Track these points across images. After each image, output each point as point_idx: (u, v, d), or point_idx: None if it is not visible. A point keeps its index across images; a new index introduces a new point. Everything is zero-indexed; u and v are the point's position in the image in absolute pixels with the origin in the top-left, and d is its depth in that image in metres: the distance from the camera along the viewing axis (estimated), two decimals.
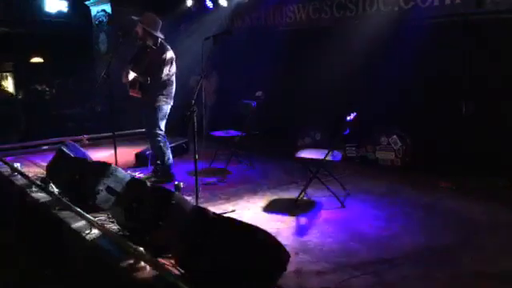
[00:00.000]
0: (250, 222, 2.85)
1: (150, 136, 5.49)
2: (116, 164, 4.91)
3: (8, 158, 6.47)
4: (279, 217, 4.30)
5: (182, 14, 8.50)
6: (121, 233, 3.65)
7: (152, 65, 5.22)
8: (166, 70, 5.19)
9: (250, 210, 4.51)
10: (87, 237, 3.54)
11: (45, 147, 7.57)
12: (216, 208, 4.38)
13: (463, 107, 5.43)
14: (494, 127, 5.18)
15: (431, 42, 5.63)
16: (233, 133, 6.21)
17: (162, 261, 3.03)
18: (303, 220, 4.24)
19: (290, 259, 2.64)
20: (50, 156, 5.53)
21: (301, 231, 3.98)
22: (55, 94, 13.03)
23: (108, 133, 6.99)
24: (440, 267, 3.23)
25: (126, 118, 7.38)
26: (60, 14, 11.19)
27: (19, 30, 11.89)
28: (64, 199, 4.36)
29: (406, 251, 3.48)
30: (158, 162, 5.57)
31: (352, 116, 4.55)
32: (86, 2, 10.24)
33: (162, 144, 5.41)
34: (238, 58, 7.79)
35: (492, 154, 5.12)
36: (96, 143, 7.86)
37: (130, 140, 7.98)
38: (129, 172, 5.20)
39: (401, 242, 3.67)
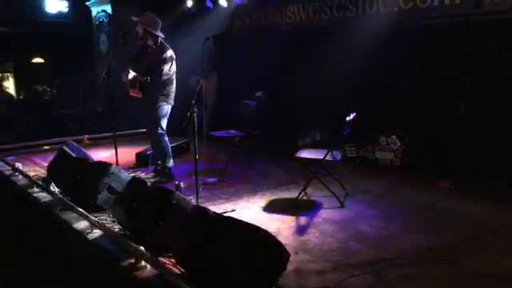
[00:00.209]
0: (250, 221, 2.87)
1: (151, 136, 5.50)
2: (117, 164, 4.93)
3: (9, 158, 6.48)
4: (279, 216, 4.32)
5: (181, 14, 8.50)
6: (122, 232, 3.67)
7: (153, 64, 5.23)
8: (166, 68, 5.20)
9: (250, 210, 4.53)
10: (88, 236, 3.55)
11: (46, 147, 7.58)
12: (216, 208, 4.40)
13: (462, 107, 5.45)
14: (493, 128, 5.18)
15: (430, 42, 5.65)
16: (233, 133, 6.22)
17: (162, 260, 3.05)
18: (303, 220, 4.25)
19: (290, 258, 2.66)
20: (51, 156, 5.55)
21: (301, 231, 3.99)
22: (56, 94, 13.05)
23: (108, 133, 7.01)
24: (440, 267, 3.24)
25: (126, 117, 7.38)
26: (60, 14, 11.19)
27: (19, 30, 11.90)
28: (65, 199, 4.37)
29: (405, 251, 3.49)
30: (159, 161, 5.58)
31: (352, 116, 4.56)
32: (87, 3, 10.25)
33: (162, 144, 5.42)
34: (238, 58, 7.80)
35: (491, 154, 5.13)
36: (96, 143, 7.87)
37: (130, 140, 7.98)
38: (129, 172, 5.21)
39: (400, 241, 3.69)
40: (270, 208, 4.59)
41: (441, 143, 5.64)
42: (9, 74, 13.40)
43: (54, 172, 5.12)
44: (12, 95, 12.98)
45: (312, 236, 3.84)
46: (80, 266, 3.71)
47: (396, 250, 3.52)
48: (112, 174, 4.34)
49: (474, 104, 5.37)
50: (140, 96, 5.28)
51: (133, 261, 3.03)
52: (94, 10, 10.21)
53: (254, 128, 6.19)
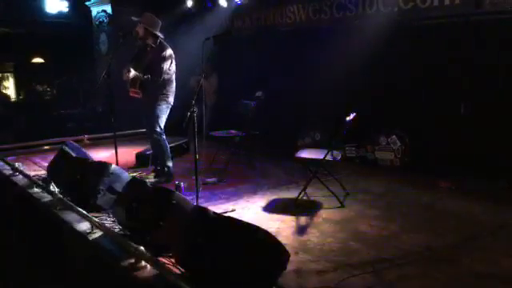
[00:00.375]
0: (250, 221, 2.87)
1: (151, 136, 5.50)
2: (117, 164, 4.93)
3: (9, 158, 6.48)
4: (279, 216, 4.32)
5: (181, 14, 8.50)
6: (122, 232, 3.67)
7: (152, 63, 5.25)
8: (166, 67, 5.21)
9: (250, 210, 4.53)
10: (88, 236, 3.55)
11: (46, 147, 7.59)
12: (216, 208, 4.40)
13: (462, 107, 5.45)
14: (493, 128, 5.18)
15: (430, 42, 5.64)
16: (233, 133, 6.22)
17: (162, 260, 3.04)
18: (303, 219, 4.25)
19: (290, 258, 2.66)
20: (51, 156, 5.55)
21: (301, 231, 3.99)
22: (56, 94, 13.07)
23: (108, 133, 7.01)
24: (440, 267, 3.23)
25: (126, 117, 7.39)
26: (60, 14, 11.21)
27: (19, 30, 11.92)
28: (65, 199, 4.37)
29: (405, 251, 3.49)
30: (159, 161, 5.58)
31: (351, 116, 4.57)
32: (87, 3, 10.26)
33: (162, 144, 5.42)
34: (238, 58, 7.80)
35: (491, 154, 5.13)
36: (96, 143, 7.88)
37: (130, 140, 7.99)
38: (129, 172, 5.21)
39: (400, 241, 3.68)
40: (270, 208, 4.59)
41: (441, 143, 5.63)
42: (9, 74, 13.43)
43: (54, 172, 5.12)
44: (9, 96, 13.00)
45: (312, 236, 3.84)
46: (80, 266, 3.71)
47: (396, 249, 3.52)
48: (112, 173, 4.34)
49: (474, 104, 5.37)
50: (140, 96, 5.28)
51: (133, 261, 3.03)
52: (94, 10, 10.21)
53: (254, 128, 6.19)
